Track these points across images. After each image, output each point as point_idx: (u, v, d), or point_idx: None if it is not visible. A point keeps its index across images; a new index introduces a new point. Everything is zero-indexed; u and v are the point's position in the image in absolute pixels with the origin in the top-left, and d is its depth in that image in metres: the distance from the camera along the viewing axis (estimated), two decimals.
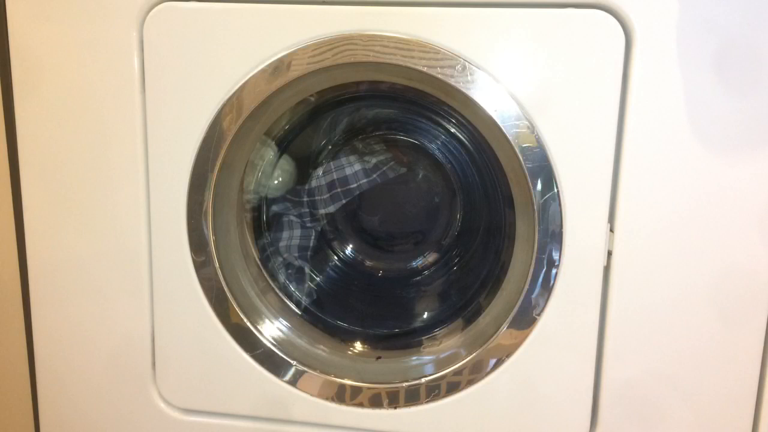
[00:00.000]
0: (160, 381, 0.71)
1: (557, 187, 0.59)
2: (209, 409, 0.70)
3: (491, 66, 0.58)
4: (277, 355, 0.69)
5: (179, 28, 0.62)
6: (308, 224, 0.85)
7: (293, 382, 0.68)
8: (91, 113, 0.66)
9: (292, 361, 0.69)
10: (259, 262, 0.77)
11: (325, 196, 0.83)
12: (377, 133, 0.90)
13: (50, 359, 0.73)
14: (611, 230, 0.60)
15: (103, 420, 0.74)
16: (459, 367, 0.65)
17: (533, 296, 0.62)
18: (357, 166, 0.83)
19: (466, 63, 0.59)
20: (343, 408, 0.68)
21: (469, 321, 0.71)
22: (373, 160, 0.84)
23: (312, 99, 0.74)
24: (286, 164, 0.85)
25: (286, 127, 0.81)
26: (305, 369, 0.68)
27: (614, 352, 0.62)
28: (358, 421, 0.68)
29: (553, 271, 0.61)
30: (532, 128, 0.59)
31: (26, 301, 0.73)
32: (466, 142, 0.83)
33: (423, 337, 0.75)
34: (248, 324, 0.69)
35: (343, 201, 0.83)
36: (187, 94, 0.63)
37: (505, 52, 0.58)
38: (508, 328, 0.63)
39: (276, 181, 0.84)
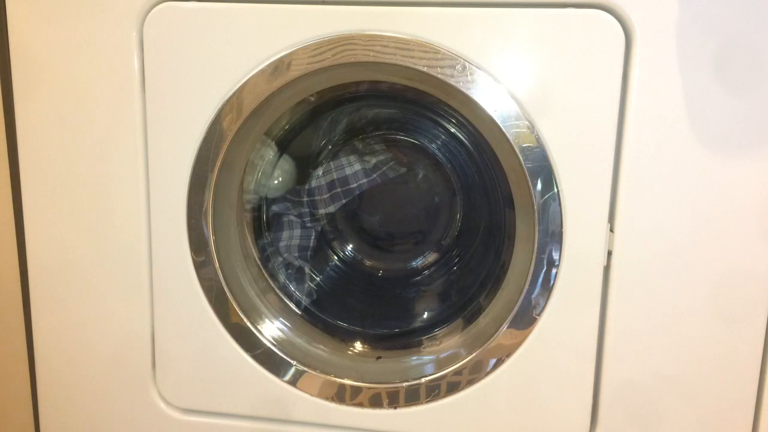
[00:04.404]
0: (160, 381, 0.71)
1: (557, 187, 0.59)
2: (209, 409, 0.70)
3: (491, 66, 0.58)
4: (277, 355, 0.69)
5: (179, 28, 0.62)
6: (308, 224, 0.85)
7: (293, 382, 0.68)
8: (91, 113, 0.66)
9: (292, 361, 0.69)
10: (259, 262, 0.77)
11: (325, 196, 0.83)
12: (377, 133, 0.90)
13: (50, 359, 0.73)
14: (611, 230, 0.60)
15: (103, 420, 0.74)
16: (459, 367, 0.65)
17: (533, 296, 0.62)
18: (357, 166, 0.83)
19: (466, 63, 0.59)
20: (343, 408, 0.68)
21: (469, 321, 0.71)
22: (373, 160, 0.84)
23: (312, 99, 0.74)
24: (286, 164, 0.85)
25: (286, 127, 0.81)
26: (305, 369, 0.68)
27: (614, 352, 0.62)
28: (358, 421, 0.68)
29: (553, 271, 0.61)
30: (532, 128, 0.59)
31: (26, 301, 0.73)
32: (466, 142, 0.83)
33: (423, 337, 0.75)
34: (248, 324, 0.69)
35: (343, 201, 0.83)
36: (187, 94, 0.63)
37: (505, 52, 0.58)
38: (508, 328, 0.63)
39: (276, 181, 0.84)
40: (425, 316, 0.82)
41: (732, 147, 0.57)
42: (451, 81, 0.59)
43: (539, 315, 0.62)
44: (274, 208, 0.84)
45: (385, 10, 0.59)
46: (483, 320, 0.68)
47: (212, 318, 0.68)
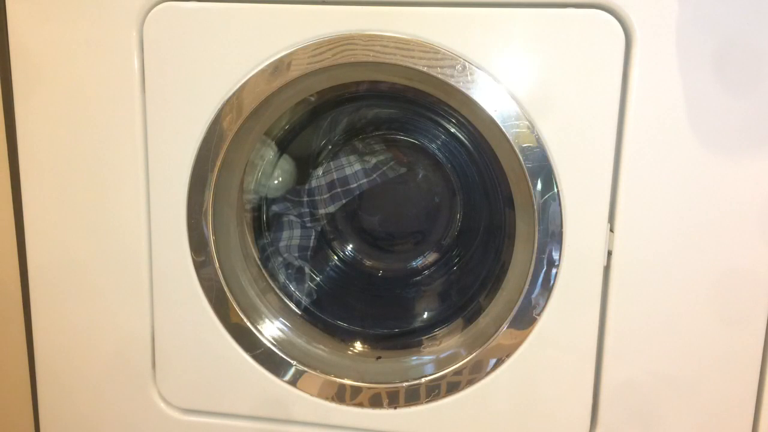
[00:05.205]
0: (160, 381, 0.71)
1: (557, 187, 0.59)
2: (209, 409, 0.70)
3: (491, 66, 0.58)
4: (277, 354, 0.69)
5: (179, 28, 0.62)
6: (308, 224, 0.85)
7: (293, 382, 0.68)
8: (91, 113, 0.66)
9: (292, 361, 0.69)
10: (259, 262, 0.77)
11: (325, 196, 0.83)
12: (377, 133, 0.90)
13: (50, 359, 0.73)
14: (611, 230, 0.60)
15: (103, 420, 0.74)
16: (459, 367, 0.65)
17: (533, 296, 0.62)
18: (357, 166, 0.83)
19: (466, 63, 0.59)
20: (343, 408, 0.68)
21: (469, 321, 0.71)
22: (373, 160, 0.84)
23: (312, 99, 0.74)
24: (286, 164, 0.85)
25: (286, 127, 0.81)
26: (305, 369, 0.68)
27: (614, 352, 0.62)
28: (358, 421, 0.68)
29: (553, 271, 0.61)
30: (532, 128, 0.59)
31: (26, 301, 0.73)
32: (466, 142, 0.83)
33: (423, 337, 0.75)
34: (248, 324, 0.69)
35: (343, 201, 0.83)
36: (187, 94, 0.63)
37: (505, 52, 0.58)
38: (508, 328, 0.63)
39: (276, 181, 0.84)
40: (425, 316, 0.82)
41: (732, 147, 0.57)
42: (451, 81, 0.59)
43: (539, 315, 0.62)
44: (274, 208, 0.84)
45: (385, 10, 0.59)
46: (483, 320, 0.68)
47: (212, 318, 0.68)
